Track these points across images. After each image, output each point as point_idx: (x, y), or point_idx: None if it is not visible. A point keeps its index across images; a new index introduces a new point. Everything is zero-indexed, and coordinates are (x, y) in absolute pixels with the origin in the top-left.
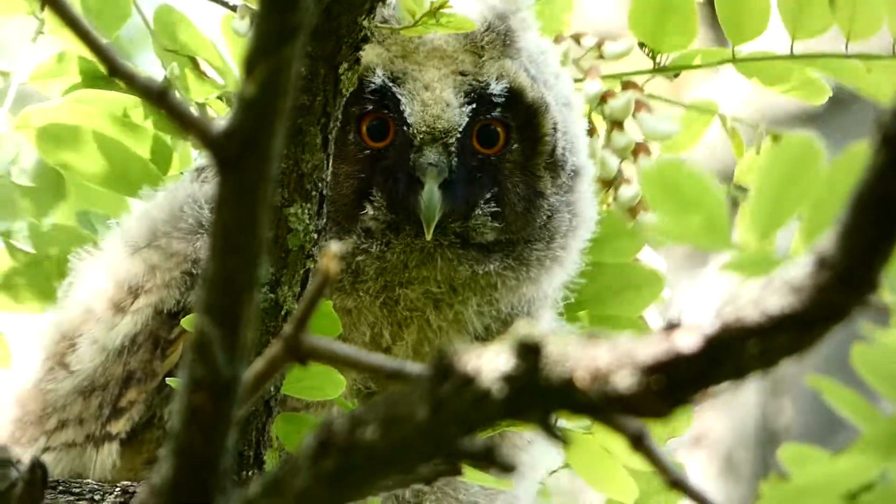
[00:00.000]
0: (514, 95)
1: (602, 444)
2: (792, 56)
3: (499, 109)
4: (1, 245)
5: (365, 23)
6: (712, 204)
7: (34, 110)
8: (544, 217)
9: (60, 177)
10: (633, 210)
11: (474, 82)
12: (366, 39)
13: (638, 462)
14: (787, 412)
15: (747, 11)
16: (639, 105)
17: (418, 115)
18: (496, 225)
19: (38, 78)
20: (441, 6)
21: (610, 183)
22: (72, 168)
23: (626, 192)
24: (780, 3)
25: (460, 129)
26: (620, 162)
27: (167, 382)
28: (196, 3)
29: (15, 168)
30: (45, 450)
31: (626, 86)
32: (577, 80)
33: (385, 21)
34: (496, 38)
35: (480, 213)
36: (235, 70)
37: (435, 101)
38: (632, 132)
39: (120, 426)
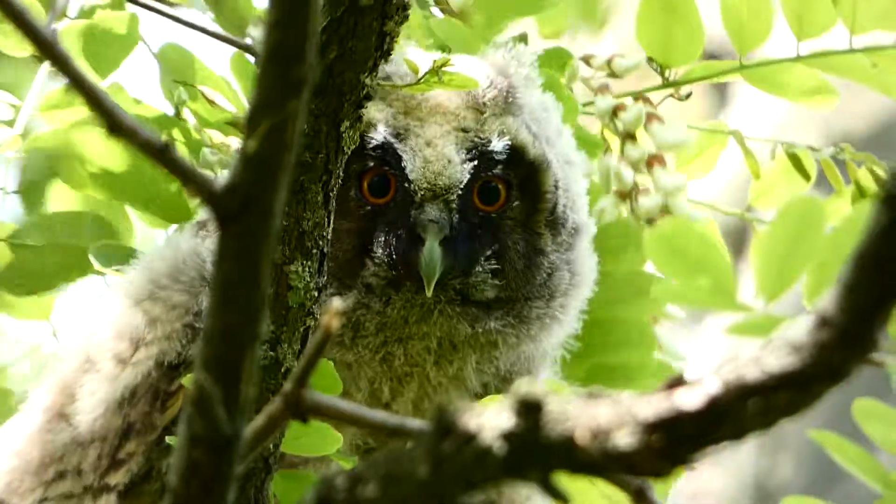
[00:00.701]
0: (516, 152)
1: (603, 492)
2: (798, 58)
3: (500, 166)
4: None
5: (367, 80)
6: (719, 266)
7: (44, 134)
8: (544, 275)
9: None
10: (651, 220)
11: (476, 139)
12: (368, 97)
13: None
14: (785, 469)
15: (751, 17)
16: (650, 117)
17: (420, 172)
18: (496, 282)
19: (47, 110)
20: (444, 64)
21: (626, 195)
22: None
23: (646, 202)
24: (785, 4)
25: (461, 186)
26: (635, 174)
27: (166, 438)
28: (203, 43)
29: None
30: (43, 500)
31: (636, 99)
32: (587, 103)
33: (387, 78)
34: (498, 95)
35: (481, 270)
36: (245, 103)
37: (437, 158)
38: (645, 144)
39: (118, 478)
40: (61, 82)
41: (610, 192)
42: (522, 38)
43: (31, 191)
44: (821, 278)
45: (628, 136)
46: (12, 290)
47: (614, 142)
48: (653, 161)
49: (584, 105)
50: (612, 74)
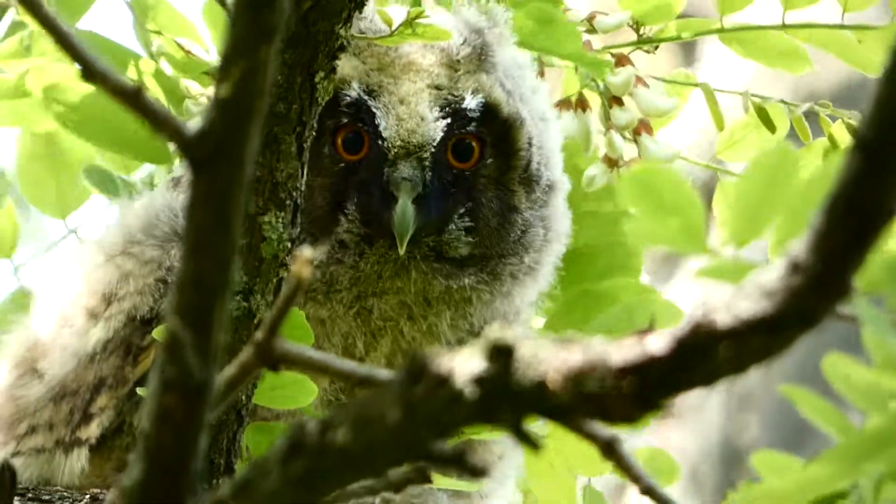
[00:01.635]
0: (490, 110)
1: (557, 450)
2: (784, 26)
3: (474, 124)
4: None
5: (342, 31)
6: (690, 209)
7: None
8: (518, 232)
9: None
10: None
11: (450, 97)
12: (342, 48)
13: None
14: (752, 428)
15: None
16: (636, 80)
17: (393, 129)
18: (470, 239)
19: (5, 59)
20: (417, 16)
21: (615, 162)
22: (74, 128)
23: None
24: None
25: (435, 144)
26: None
27: (138, 390)
28: None
29: None
30: (15, 454)
31: (619, 60)
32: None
33: (362, 33)
34: (472, 53)
35: (454, 227)
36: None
37: (410, 115)
38: (632, 109)
39: (90, 432)
40: (21, 33)
41: (589, 151)
42: None
43: None
44: (790, 227)
45: (615, 100)
46: None
47: (594, 102)
48: (640, 128)
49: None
50: (592, 31)
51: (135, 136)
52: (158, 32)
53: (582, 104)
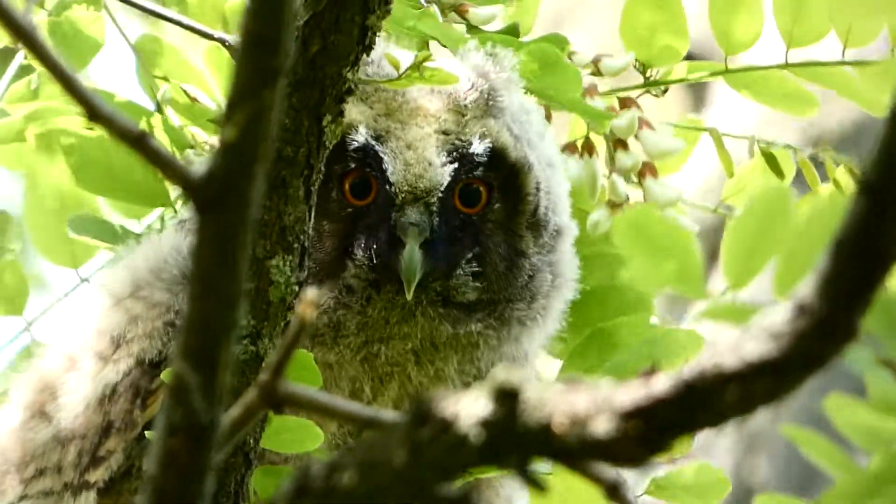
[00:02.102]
0: (497, 155)
1: (565, 486)
2: (787, 65)
3: (481, 169)
4: None
5: (349, 75)
6: (685, 251)
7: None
8: (526, 277)
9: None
10: None
11: (457, 142)
12: (350, 91)
13: None
14: (762, 470)
15: (740, 20)
16: (641, 123)
17: (400, 174)
18: (477, 284)
19: (13, 102)
20: (424, 59)
21: (618, 206)
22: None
23: None
24: (776, 10)
25: (442, 189)
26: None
27: (146, 434)
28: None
29: None
30: (23, 498)
31: (623, 103)
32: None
33: (369, 76)
34: (479, 98)
35: (462, 272)
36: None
37: (417, 161)
38: (636, 152)
39: (98, 475)
40: (29, 77)
41: (595, 195)
42: (512, 30)
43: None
44: (791, 268)
45: (619, 143)
46: None
47: (600, 145)
48: (645, 171)
49: None
50: (597, 73)
51: (137, 181)
52: (164, 78)
53: (588, 148)
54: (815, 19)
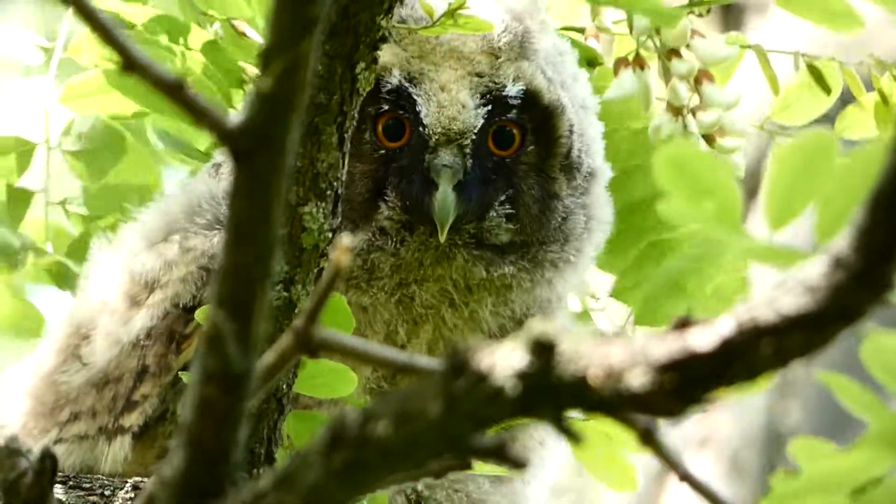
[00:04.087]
0: (531, 97)
1: (603, 430)
2: None
3: (515, 111)
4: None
5: (383, 22)
6: (726, 191)
7: (75, 82)
8: (559, 219)
9: (119, 134)
10: (710, 137)
11: (490, 84)
12: (384, 39)
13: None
14: (794, 414)
15: None
16: (692, 32)
17: (434, 117)
18: (511, 227)
19: (76, 53)
20: (459, 7)
21: (679, 110)
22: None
23: (705, 117)
24: None
25: (476, 131)
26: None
27: (181, 377)
28: None
29: (67, 139)
30: (57, 441)
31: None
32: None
33: (403, 21)
34: (513, 40)
35: (495, 214)
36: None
37: (451, 103)
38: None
39: (133, 419)
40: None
41: (648, 108)
42: None
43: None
44: (831, 213)
45: (672, 52)
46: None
47: (652, 61)
48: (701, 77)
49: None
50: None
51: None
52: (208, 15)
53: (639, 62)
54: None
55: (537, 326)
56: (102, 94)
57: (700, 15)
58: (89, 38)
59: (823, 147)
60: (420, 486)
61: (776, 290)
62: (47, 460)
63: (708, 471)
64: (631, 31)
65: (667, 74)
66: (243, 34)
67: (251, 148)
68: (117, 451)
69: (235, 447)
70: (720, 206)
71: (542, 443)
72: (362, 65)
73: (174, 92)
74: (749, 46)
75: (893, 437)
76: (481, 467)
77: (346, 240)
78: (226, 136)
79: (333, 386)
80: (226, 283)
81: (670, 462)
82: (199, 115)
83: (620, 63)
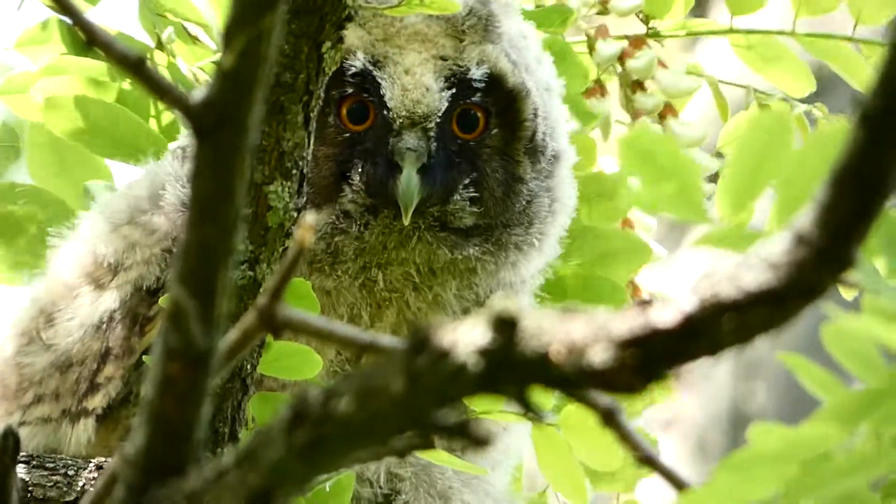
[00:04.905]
0: (495, 80)
1: (567, 438)
2: (793, 33)
3: (479, 94)
4: None
5: (349, 1)
6: (686, 174)
7: (16, 76)
8: (523, 202)
9: (16, 135)
10: None
11: (455, 67)
12: (349, 18)
13: (602, 457)
14: (760, 395)
15: None
16: (657, 64)
17: (398, 100)
18: (475, 210)
19: (23, 45)
20: None
21: None
22: (78, 138)
23: None
24: None
25: (440, 114)
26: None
27: (144, 360)
28: None
29: None
30: (21, 424)
31: (636, 43)
32: (579, 42)
33: (368, 2)
34: (477, 23)
35: (459, 197)
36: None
37: (415, 86)
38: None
39: (96, 402)
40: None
41: (608, 137)
42: None
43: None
44: (790, 196)
45: (637, 85)
46: None
47: (612, 88)
48: (666, 112)
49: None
50: (603, 12)
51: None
52: (164, 16)
53: (601, 91)
54: None
55: (499, 303)
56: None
57: (658, 42)
58: (39, 36)
59: (779, 128)
60: (382, 471)
61: (739, 267)
62: (10, 438)
63: (674, 452)
64: (590, 54)
65: (629, 104)
66: (196, 38)
67: (214, 124)
68: (81, 433)
69: (198, 425)
70: (680, 188)
71: (506, 428)
72: (328, 44)
73: (137, 69)
74: (703, 76)
75: (845, 413)
76: (445, 458)
77: (309, 218)
78: (188, 113)
79: (298, 368)
80: (188, 261)
81: (631, 444)
82: (161, 92)
83: (582, 92)
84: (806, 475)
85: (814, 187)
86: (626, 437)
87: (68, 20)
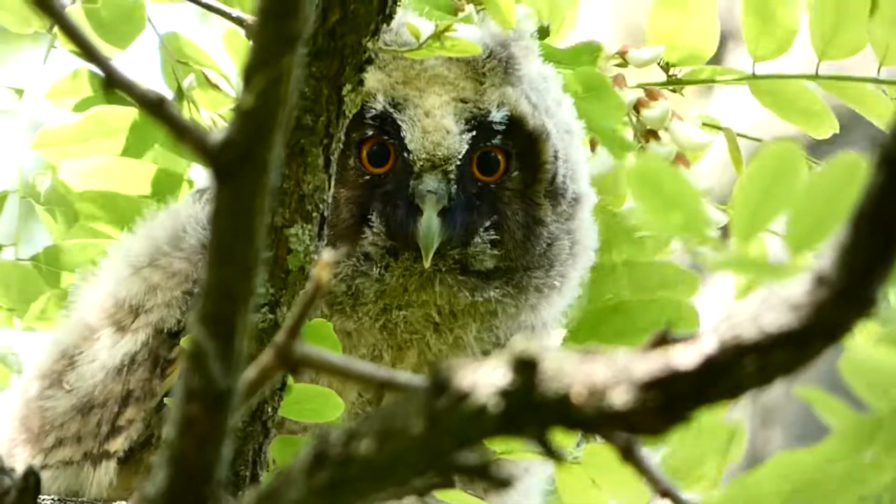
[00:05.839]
0: (515, 123)
1: (591, 476)
2: (817, 76)
3: (499, 137)
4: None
5: (369, 44)
6: (691, 202)
7: (51, 129)
8: (544, 245)
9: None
10: None
11: (475, 109)
12: (370, 61)
13: (628, 494)
14: (776, 441)
15: (774, 26)
16: (671, 114)
17: (418, 142)
18: (495, 252)
19: (54, 96)
20: (446, 29)
21: None
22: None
23: None
24: (812, 21)
25: (460, 157)
26: None
27: (165, 402)
28: (198, 24)
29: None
30: (43, 467)
31: (652, 94)
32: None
33: (387, 45)
34: (498, 65)
35: (479, 240)
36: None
37: (435, 128)
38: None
39: (118, 445)
40: (66, 67)
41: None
42: (542, 32)
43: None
44: (800, 228)
45: (651, 134)
46: None
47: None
48: (678, 162)
49: None
50: (623, 64)
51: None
52: (186, 63)
53: None
54: (851, 32)
55: (520, 344)
56: (79, 141)
57: (675, 91)
58: (70, 86)
59: (790, 159)
60: None
61: (760, 307)
62: (31, 478)
63: (692, 498)
64: None
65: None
66: (216, 86)
67: (233, 164)
68: (102, 476)
69: (219, 465)
70: (686, 217)
71: (527, 470)
72: (349, 87)
73: (156, 109)
74: (720, 128)
75: (853, 435)
76: (469, 501)
77: (326, 255)
78: (207, 153)
79: (319, 411)
80: (208, 301)
81: (651, 478)
82: (180, 132)
83: (597, 139)
84: (808, 488)
85: (827, 217)
86: (644, 471)
87: (95, 68)
